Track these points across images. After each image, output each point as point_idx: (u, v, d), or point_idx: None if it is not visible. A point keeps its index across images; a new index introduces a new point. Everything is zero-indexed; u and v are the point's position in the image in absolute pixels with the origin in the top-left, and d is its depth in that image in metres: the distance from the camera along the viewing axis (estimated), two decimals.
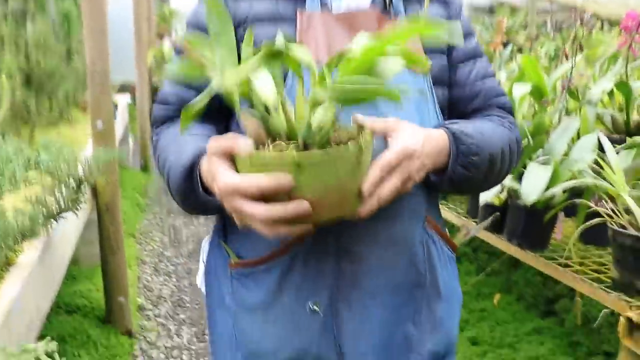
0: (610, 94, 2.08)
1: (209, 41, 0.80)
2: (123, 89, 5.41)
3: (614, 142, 1.73)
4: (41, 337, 1.16)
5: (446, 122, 1.03)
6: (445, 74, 1.10)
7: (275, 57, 0.81)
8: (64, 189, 1.67)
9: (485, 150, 0.99)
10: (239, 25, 1.03)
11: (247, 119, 0.81)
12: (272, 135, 0.81)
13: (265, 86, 0.76)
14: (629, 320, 1.20)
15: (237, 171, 0.81)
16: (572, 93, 2.08)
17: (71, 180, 1.71)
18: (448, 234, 1.15)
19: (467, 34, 1.13)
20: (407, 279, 1.06)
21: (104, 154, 1.74)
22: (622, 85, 1.83)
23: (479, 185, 1.08)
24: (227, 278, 1.10)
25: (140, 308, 3.12)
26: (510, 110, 1.15)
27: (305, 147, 0.78)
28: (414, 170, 0.86)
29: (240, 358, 1.10)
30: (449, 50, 1.11)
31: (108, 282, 2.72)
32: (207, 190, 0.92)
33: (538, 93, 1.77)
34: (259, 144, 0.80)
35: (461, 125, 0.99)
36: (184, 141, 0.99)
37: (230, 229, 1.12)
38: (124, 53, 5.56)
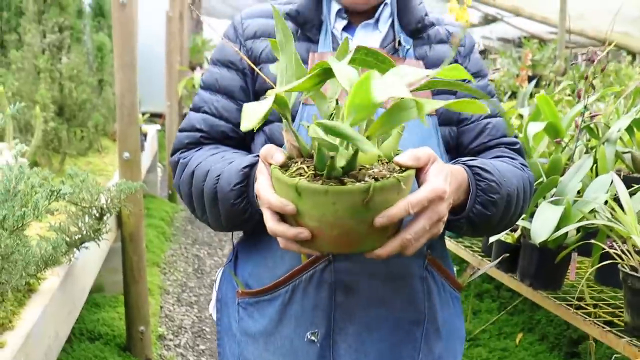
0: (631, 131, 2.07)
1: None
2: (154, 117, 5.55)
3: (633, 181, 1.72)
4: None
5: (462, 158, 1.02)
6: (454, 115, 1.12)
7: (328, 75, 0.79)
8: (87, 219, 1.73)
9: (504, 189, 0.98)
10: (256, 63, 1.10)
11: (287, 136, 0.84)
12: (302, 155, 0.84)
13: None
14: None
15: None
16: (592, 131, 2.07)
17: (94, 210, 1.76)
18: (454, 272, 1.16)
19: (477, 74, 1.16)
20: (405, 316, 1.07)
21: (127, 185, 1.79)
22: (638, 123, 1.82)
23: (495, 226, 1.05)
24: (235, 306, 1.15)
25: (161, 337, 3.15)
26: (520, 150, 1.15)
27: (330, 177, 0.77)
28: (443, 212, 0.82)
29: None
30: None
31: (129, 310, 2.76)
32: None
33: (553, 131, 1.78)
34: (292, 161, 0.83)
35: (479, 162, 0.99)
36: (229, 154, 1.06)
37: (241, 259, 1.18)
38: (156, 83, 5.74)
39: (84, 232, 1.73)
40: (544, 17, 7.57)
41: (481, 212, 0.96)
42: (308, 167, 0.80)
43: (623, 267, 1.27)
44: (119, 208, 1.98)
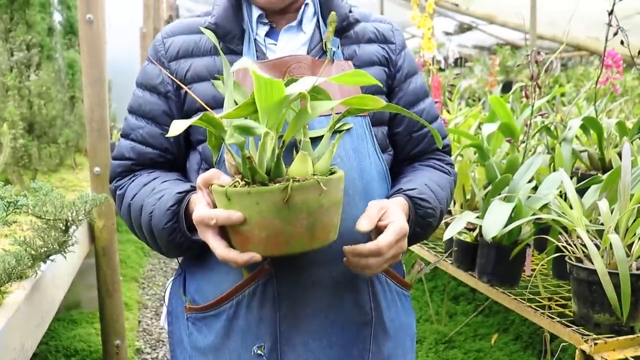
0: (588, 132, 2.12)
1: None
2: None
3: (588, 178, 1.77)
4: None
5: (402, 186, 1.10)
6: (385, 115, 1.14)
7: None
8: (52, 232, 1.74)
9: (438, 209, 1.10)
10: (183, 84, 1.07)
11: (228, 158, 0.91)
12: (240, 173, 0.90)
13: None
14: (583, 352, 1.22)
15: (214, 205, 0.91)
16: (550, 131, 2.13)
17: (59, 223, 1.78)
18: (404, 270, 1.19)
19: (411, 74, 1.17)
20: (352, 319, 1.09)
21: (94, 197, 1.81)
22: (591, 122, 1.88)
23: (426, 238, 1.19)
24: (185, 321, 1.16)
25: (139, 351, 3.15)
26: (449, 151, 1.23)
27: (255, 182, 0.86)
28: (405, 246, 0.98)
29: None
30: (392, 92, 1.16)
31: (105, 324, 2.76)
32: (190, 228, 1.01)
33: (508, 131, 1.83)
34: (233, 179, 0.91)
35: (417, 191, 1.08)
36: (159, 184, 1.08)
37: (188, 275, 1.17)
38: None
39: (50, 245, 1.74)
40: (517, 25, 7.68)
41: (418, 232, 1.09)
42: (242, 179, 0.88)
43: (570, 259, 1.31)
44: (87, 220, 1.99)
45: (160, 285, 4.13)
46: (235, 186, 0.86)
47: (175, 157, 1.17)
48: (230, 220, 0.85)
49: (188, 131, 1.12)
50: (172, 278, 1.27)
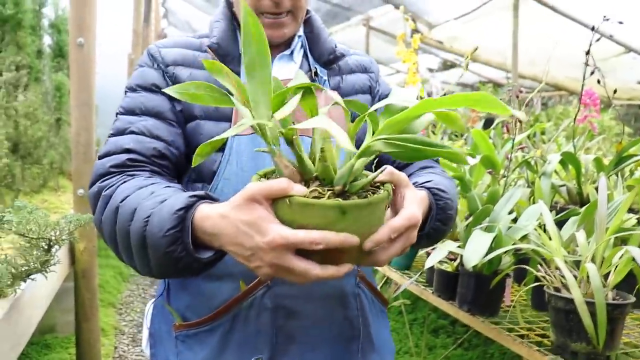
0: (566, 166, 2.18)
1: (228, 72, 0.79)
2: None
3: (566, 211, 1.82)
4: None
5: (418, 180, 1.08)
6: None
7: (308, 96, 0.81)
8: (34, 251, 1.73)
9: (455, 202, 1.08)
10: None
11: (282, 161, 0.79)
12: (304, 179, 0.80)
13: (341, 134, 0.70)
14: None
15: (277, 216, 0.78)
16: (530, 165, 2.19)
17: (42, 242, 1.77)
18: (378, 288, 1.22)
19: (386, 95, 1.23)
20: (342, 332, 1.12)
21: (77, 217, 1.81)
22: (570, 158, 1.93)
23: (446, 233, 1.10)
24: (172, 341, 1.13)
25: None
26: (437, 160, 1.26)
27: (342, 193, 0.78)
28: (414, 238, 0.87)
29: None
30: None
31: (80, 349, 2.72)
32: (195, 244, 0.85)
33: (490, 164, 1.87)
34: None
35: (433, 182, 1.06)
36: (159, 189, 0.92)
37: (174, 291, 1.16)
38: None
39: (32, 264, 1.73)
40: (500, 63, 7.88)
41: (439, 227, 1.03)
42: (319, 188, 0.78)
43: (548, 288, 1.34)
44: (69, 241, 1.98)
45: (138, 312, 4.07)
46: (320, 196, 0.76)
47: (178, 158, 1.07)
48: (345, 243, 0.75)
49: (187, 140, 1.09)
50: (154, 299, 1.25)
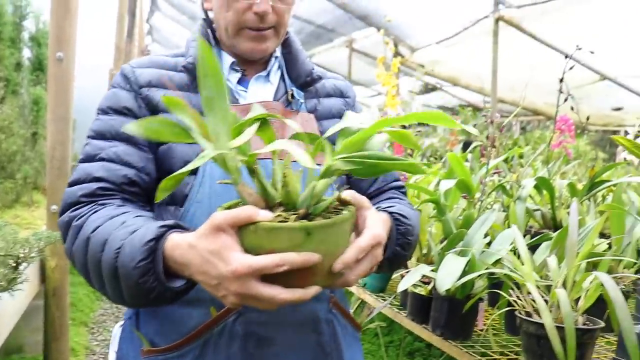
0: (541, 191, 2.20)
1: (186, 106, 0.78)
2: None
3: (540, 235, 1.83)
4: None
5: (381, 205, 1.11)
6: None
7: (264, 126, 0.83)
8: (1, 269, 1.69)
9: (416, 228, 1.11)
10: (155, 112, 1.08)
11: (245, 189, 0.81)
12: (269, 205, 0.81)
13: (301, 153, 0.73)
14: None
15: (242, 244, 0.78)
16: (505, 190, 2.20)
17: (9, 259, 1.73)
18: (351, 312, 1.21)
19: None
20: (315, 358, 1.10)
21: (47, 234, 1.77)
22: (544, 183, 1.95)
23: (406, 260, 1.14)
24: None
25: None
26: (405, 192, 1.27)
27: (306, 216, 0.80)
28: (380, 256, 0.89)
29: None
30: None
31: None
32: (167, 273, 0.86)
33: (465, 188, 1.88)
34: None
35: (396, 208, 1.08)
36: (130, 219, 0.93)
37: (143, 315, 1.13)
38: None
39: None
40: (479, 87, 8.00)
41: (399, 252, 1.06)
42: (284, 213, 0.79)
43: (520, 313, 1.34)
44: (39, 259, 1.94)
45: (111, 331, 3.99)
46: (284, 220, 0.77)
47: (149, 184, 1.06)
48: (308, 262, 0.75)
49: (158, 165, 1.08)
50: (122, 322, 1.23)
